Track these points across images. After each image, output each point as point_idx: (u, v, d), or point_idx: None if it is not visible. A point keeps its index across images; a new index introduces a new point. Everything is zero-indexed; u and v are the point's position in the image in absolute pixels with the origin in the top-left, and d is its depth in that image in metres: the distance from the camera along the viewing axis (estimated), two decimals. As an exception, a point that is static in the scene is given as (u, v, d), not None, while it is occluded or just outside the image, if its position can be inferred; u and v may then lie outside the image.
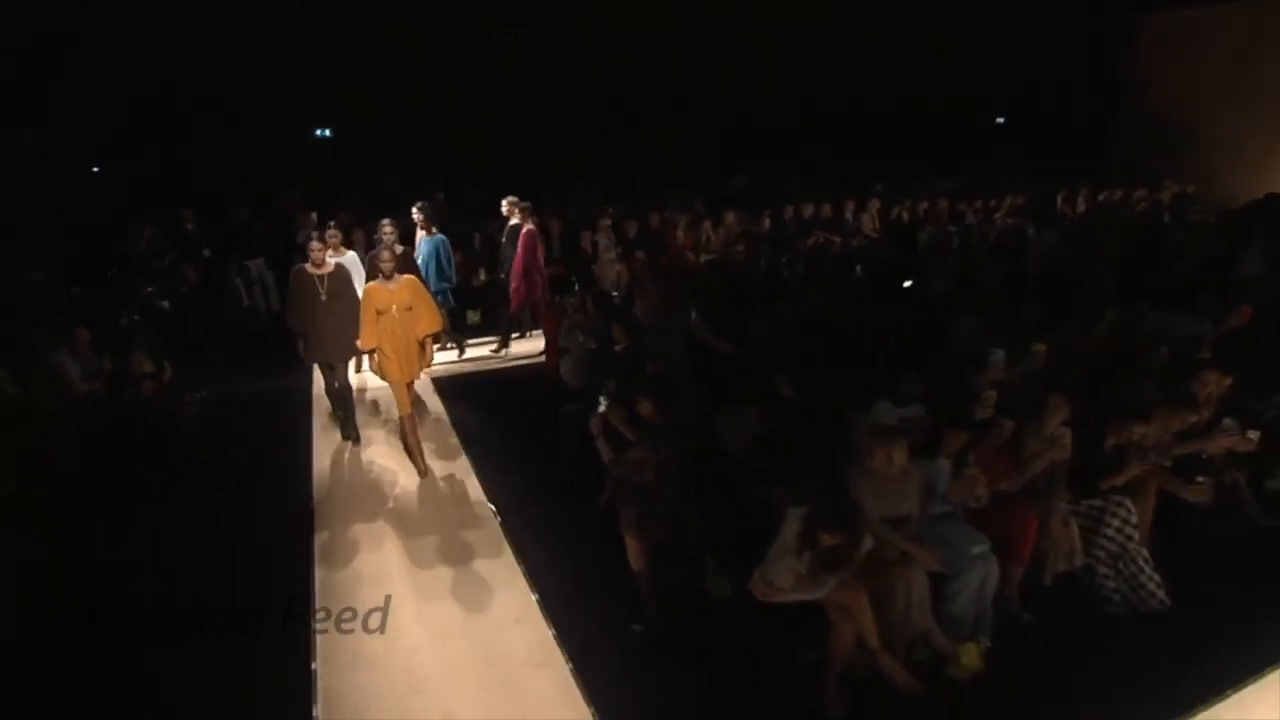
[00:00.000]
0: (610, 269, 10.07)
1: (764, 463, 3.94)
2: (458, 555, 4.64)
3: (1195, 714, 3.43)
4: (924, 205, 12.80)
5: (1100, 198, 12.99)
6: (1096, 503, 4.07)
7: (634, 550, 3.81)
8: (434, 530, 4.93)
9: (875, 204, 12.45)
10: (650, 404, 3.82)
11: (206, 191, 9.17)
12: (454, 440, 6.30)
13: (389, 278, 5.32)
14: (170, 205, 8.72)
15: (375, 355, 5.44)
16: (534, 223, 8.16)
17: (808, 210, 11.96)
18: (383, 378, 5.55)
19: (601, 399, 4.47)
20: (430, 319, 5.49)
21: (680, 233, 10.70)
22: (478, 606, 4.15)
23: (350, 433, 6.20)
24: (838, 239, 11.62)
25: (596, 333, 5.42)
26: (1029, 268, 7.48)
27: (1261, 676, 3.64)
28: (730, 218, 11.05)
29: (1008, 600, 3.87)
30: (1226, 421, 4.25)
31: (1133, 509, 4.03)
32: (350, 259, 6.96)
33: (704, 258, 10.42)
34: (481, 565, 4.52)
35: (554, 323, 6.82)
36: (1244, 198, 10.94)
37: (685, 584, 3.99)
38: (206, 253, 8.63)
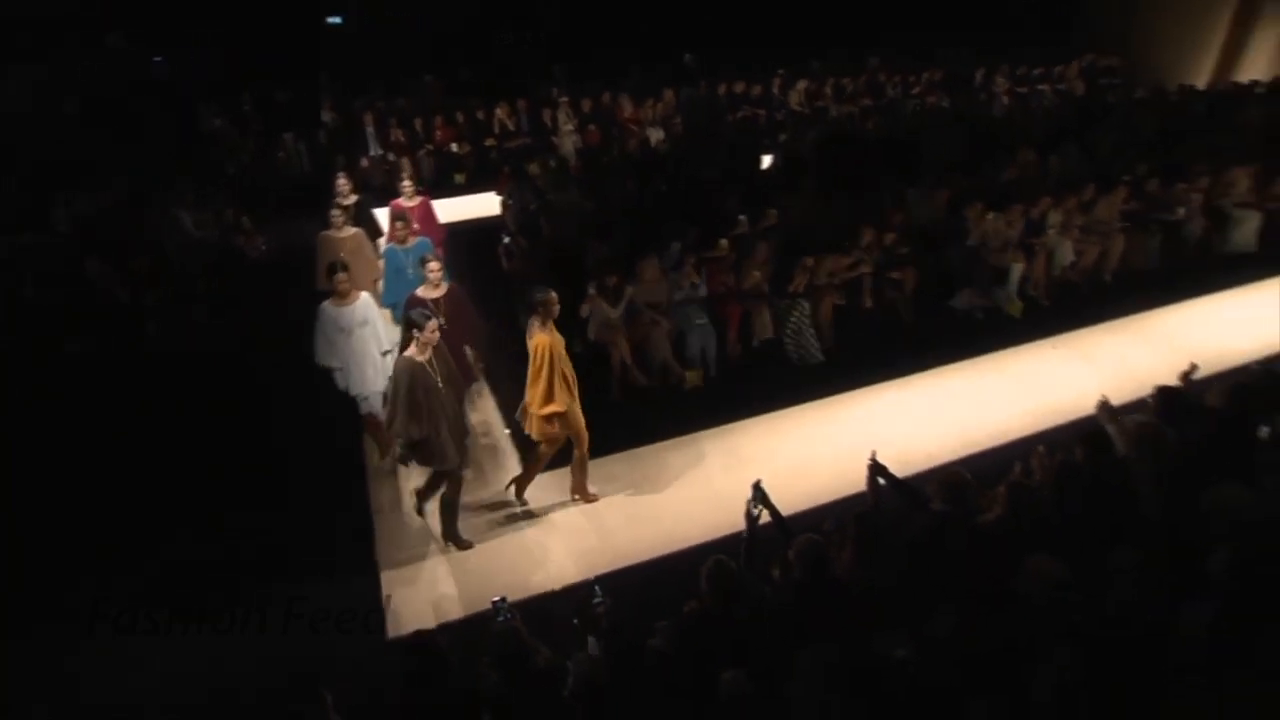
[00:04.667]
0: (568, 140, 12.74)
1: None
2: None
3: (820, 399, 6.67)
4: (847, 82, 14.99)
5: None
6: (788, 302, 7.16)
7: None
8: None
9: (803, 84, 14.63)
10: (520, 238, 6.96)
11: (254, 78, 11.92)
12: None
13: (554, 318, 4.95)
14: (227, 93, 11.51)
15: (556, 420, 4.98)
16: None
17: (739, 87, 14.24)
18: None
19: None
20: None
21: (626, 108, 13.25)
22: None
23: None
24: (763, 113, 14.09)
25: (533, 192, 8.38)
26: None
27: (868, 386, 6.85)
28: (669, 94, 13.56)
29: (722, 352, 7.06)
30: (865, 259, 7.28)
31: (808, 307, 7.11)
32: (364, 301, 5.54)
33: (647, 129, 13.09)
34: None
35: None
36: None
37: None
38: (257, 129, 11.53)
